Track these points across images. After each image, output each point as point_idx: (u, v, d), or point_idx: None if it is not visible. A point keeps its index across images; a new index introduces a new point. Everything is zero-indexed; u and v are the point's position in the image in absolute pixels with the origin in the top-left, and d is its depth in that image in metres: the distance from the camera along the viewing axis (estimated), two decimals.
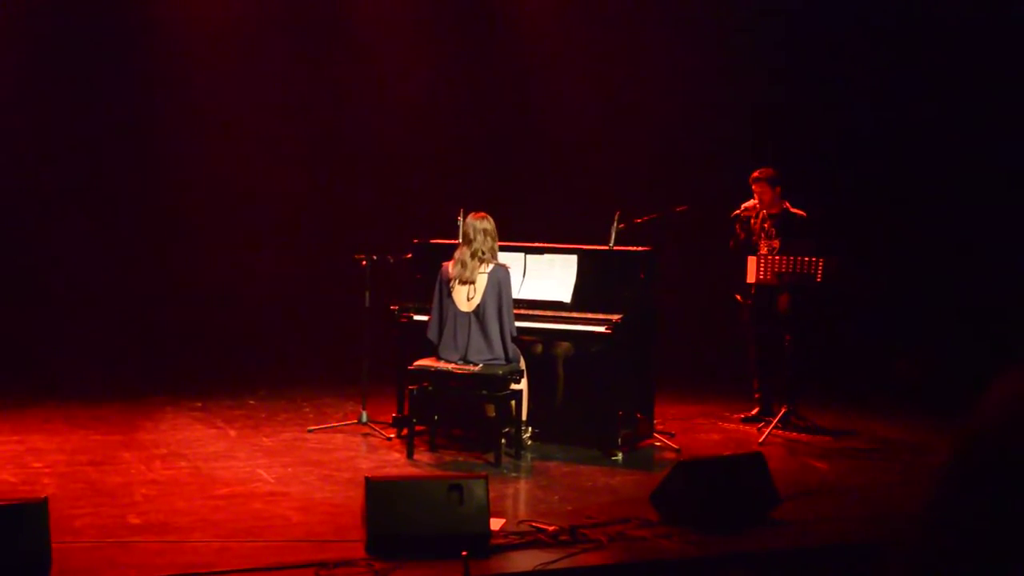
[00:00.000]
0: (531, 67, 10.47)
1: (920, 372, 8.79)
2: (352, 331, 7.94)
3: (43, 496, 4.58)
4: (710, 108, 10.04)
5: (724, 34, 10.09)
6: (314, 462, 6.62)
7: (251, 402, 8.35)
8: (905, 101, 9.78)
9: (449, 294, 6.73)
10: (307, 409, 8.15)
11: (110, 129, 9.81)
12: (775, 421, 7.49)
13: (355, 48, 10.34)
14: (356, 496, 5.38)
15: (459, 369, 6.61)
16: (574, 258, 7.16)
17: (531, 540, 5.00)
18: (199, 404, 8.23)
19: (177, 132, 9.94)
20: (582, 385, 7.06)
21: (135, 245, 9.96)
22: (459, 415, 7.12)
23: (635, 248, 7.17)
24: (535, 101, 10.42)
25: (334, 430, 7.44)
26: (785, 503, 5.59)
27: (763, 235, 7.69)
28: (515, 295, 6.86)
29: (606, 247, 7.20)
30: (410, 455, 6.72)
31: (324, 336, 9.78)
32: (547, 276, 7.17)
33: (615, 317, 6.83)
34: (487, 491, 4.90)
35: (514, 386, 6.67)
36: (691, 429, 7.73)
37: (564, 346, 7.12)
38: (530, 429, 7.04)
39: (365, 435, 7.33)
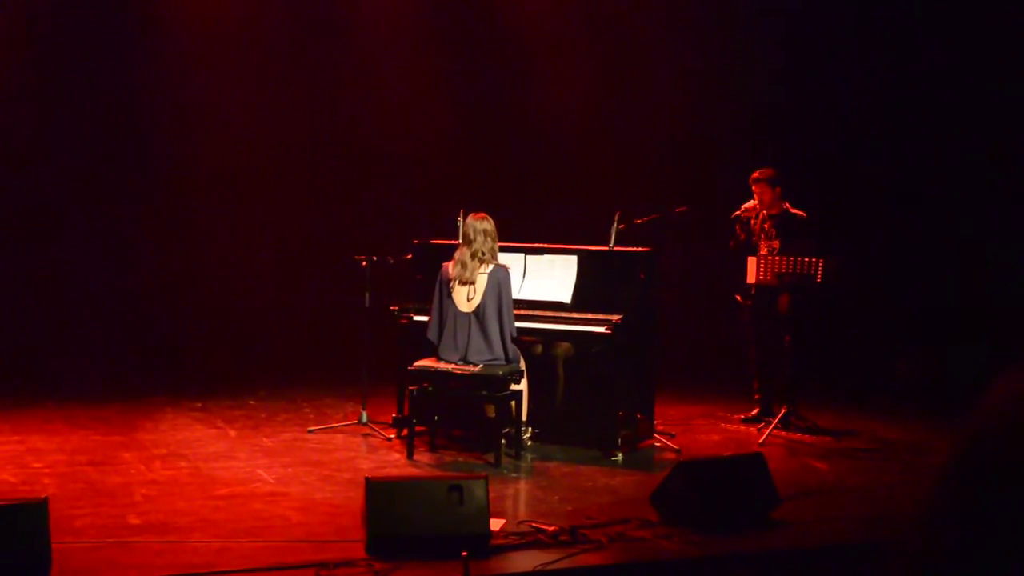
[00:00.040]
0: (531, 67, 10.47)
1: (920, 372, 8.79)
2: (352, 332, 7.95)
3: (43, 496, 4.58)
4: (710, 108, 10.03)
5: (724, 34, 10.09)
6: (314, 462, 6.62)
7: (251, 402, 8.35)
8: (905, 101, 9.77)
9: (449, 294, 6.72)
10: (307, 409, 8.15)
11: (110, 129, 9.80)
12: (775, 421, 7.48)
13: (355, 48, 10.33)
14: (356, 496, 5.38)
15: (459, 369, 6.61)
16: (574, 258, 7.16)
17: (531, 540, 5.00)
18: (199, 404, 8.23)
19: (177, 132, 9.93)
20: (582, 385, 7.05)
21: (135, 245, 9.95)
22: (459, 415, 7.11)
23: (635, 248, 7.17)
24: (535, 101, 10.41)
25: (334, 430, 7.44)
26: (785, 503, 5.59)
27: (763, 236, 7.69)
28: (515, 295, 6.86)
29: (606, 247, 7.20)
30: (410, 455, 6.72)
31: (324, 336, 9.78)
32: (547, 276, 7.17)
33: (615, 317, 6.83)
34: (487, 491, 4.90)
35: (514, 386, 6.66)
36: (691, 429, 7.73)
37: (564, 346, 7.11)
38: (530, 429, 7.03)
39: (365, 435, 7.33)
